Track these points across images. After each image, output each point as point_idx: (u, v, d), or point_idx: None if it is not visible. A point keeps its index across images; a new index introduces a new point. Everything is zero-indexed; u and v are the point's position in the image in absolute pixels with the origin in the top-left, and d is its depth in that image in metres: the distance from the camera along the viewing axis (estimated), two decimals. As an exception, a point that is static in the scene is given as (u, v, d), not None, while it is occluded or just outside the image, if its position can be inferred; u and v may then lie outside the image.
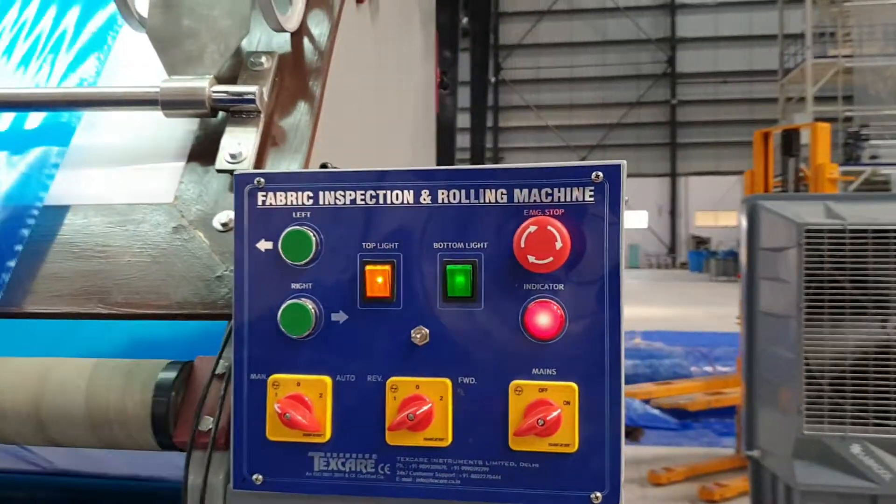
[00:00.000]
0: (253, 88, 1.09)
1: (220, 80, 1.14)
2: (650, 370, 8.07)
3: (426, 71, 1.94)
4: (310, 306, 0.83)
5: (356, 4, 1.37)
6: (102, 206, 1.09)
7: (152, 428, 0.89)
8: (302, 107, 1.14)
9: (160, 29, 1.13)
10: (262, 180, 0.86)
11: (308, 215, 0.84)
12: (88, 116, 1.17)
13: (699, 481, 5.83)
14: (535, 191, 0.80)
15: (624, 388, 0.79)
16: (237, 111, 1.10)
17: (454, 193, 0.82)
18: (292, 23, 1.18)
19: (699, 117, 38.62)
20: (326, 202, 0.84)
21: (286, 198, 0.85)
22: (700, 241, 37.47)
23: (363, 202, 0.84)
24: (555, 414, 0.77)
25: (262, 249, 0.85)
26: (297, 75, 1.18)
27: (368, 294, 0.83)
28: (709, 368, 7.96)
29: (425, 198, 0.83)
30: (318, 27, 1.23)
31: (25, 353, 1.04)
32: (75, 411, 0.91)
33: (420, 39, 1.86)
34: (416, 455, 0.81)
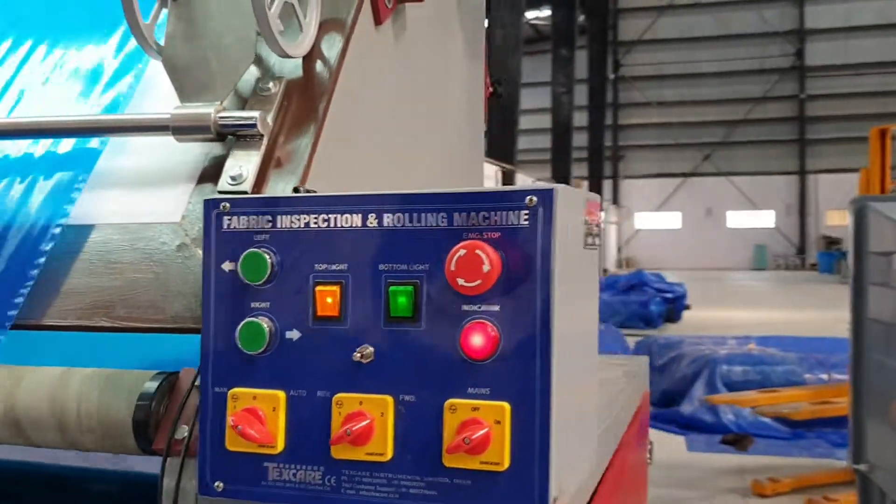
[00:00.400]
0: (254, 114, 1.15)
1: (240, 103, 1.21)
2: (760, 377, 7.79)
3: (471, 81, 1.96)
4: (265, 324, 0.88)
5: (375, 26, 1.42)
6: (119, 226, 1.17)
7: (134, 433, 0.97)
8: (304, 130, 1.19)
9: (174, 58, 1.21)
10: (227, 205, 0.91)
11: (267, 238, 0.89)
12: (114, 141, 1.26)
13: (806, 493, 5.61)
14: (472, 214, 0.83)
15: (554, 408, 0.80)
16: (242, 135, 1.17)
17: (398, 217, 0.85)
18: (301, 49, 1.23)
19: (830, 112, 36.89)
20: (283, 226, 0.89)
21: (248, 221, 0.90)
22: (831, 242, 35.80)
23: (316, 225, 0.88)
24: (481, 433, 0.79)
25: (227, 270, 0.90)
26: (304, 99, 1.23)
27: (319, 313, 0.87)
28: (824, 376, 7.61)
29: (372, 221, 0.86)
30: (331, 51, 1.28)
31: (61, 361, 1.14)
32: (68, 417, 1.00)
33: (462, 52, 1.88)
34: (359, 469, 0.85)
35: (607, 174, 37.30)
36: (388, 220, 0.86)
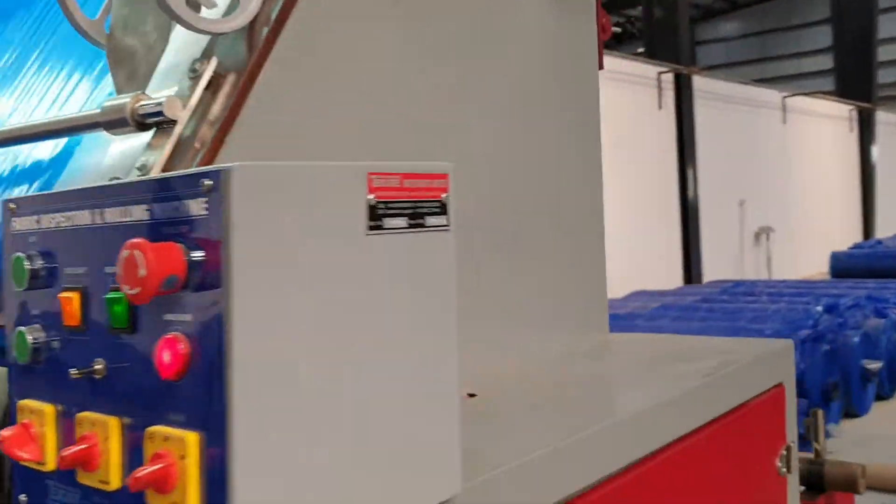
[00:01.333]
0: (161, 99, 1.09)
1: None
2: None
3: (560, 28, 1.69)
4: (31, 334, 0.81)
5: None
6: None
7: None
8: (221, 113, 1.11)
9: (113, 51, 1.18)
10: (14, 206, 0.86)
11: (35, 240, 0.83)
12: (88, 140, 1.27)
13: None
14: (168, 206, 0.69)
15: (239, 441, 0.64)
16: (159, 123, 1.11)
17: (113, 212, 0.74)
18: (234, 22, 1.14)
19: None
20: (43, 226, 0.82)
21: (26, 223, 0.85)
22: None
23: (64, 225, 0.80)
24: (153, 469, 0.66)
25: (12, 275, 0.85)
26: (237, 76, 1.15)
27: (66, 322, 0.78)
28: None
29: (97, 218, 0.76)
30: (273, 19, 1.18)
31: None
32: None
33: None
34: (100, 496, 0.76)
35: None
36: (108, 215, 0.75)
